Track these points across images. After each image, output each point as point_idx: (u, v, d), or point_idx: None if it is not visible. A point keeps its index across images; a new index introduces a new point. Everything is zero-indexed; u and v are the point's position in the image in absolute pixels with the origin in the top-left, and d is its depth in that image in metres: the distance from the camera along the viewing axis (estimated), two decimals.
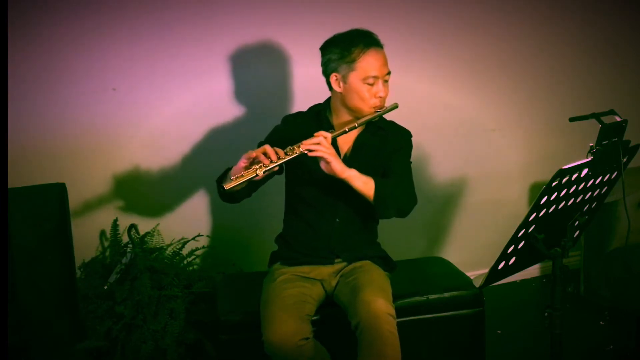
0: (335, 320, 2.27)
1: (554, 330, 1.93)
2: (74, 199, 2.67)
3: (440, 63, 3.23)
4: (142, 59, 2.78)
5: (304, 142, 2.13)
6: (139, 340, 2.54)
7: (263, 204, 2.71)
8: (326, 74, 2.29)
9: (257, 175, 2.08)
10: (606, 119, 1.88)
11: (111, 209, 2.86)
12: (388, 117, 2.39)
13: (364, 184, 2.17)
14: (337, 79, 2.26)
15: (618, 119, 1.88)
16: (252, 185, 2.28)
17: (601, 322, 3.10)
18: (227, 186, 2.08)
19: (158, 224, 2.91)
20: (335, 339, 2.30)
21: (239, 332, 2.31)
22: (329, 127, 2.31)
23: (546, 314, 1.93)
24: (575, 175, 1.80)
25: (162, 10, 2.76)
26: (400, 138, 2.38)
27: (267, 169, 2.09)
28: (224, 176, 2.24)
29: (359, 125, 2.23)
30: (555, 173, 1.73)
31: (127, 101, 2.80)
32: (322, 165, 2.14)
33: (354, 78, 2.23)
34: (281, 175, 2.39)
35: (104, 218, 2.85)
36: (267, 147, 2.12)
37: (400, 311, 2.21)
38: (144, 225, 2.89)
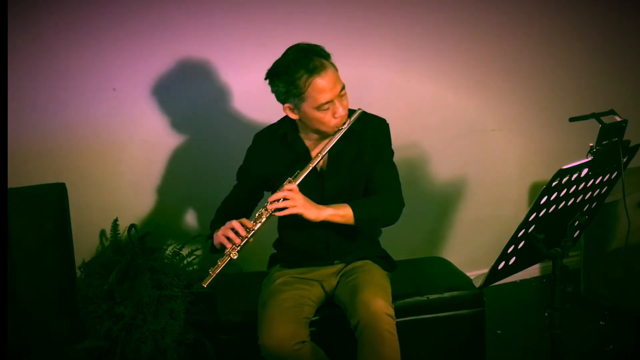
0: (334, 320, 2.27)
1: (554, 330, 1.93)
2: (74, 199, 2.66)
3: (440, 63, 3.23)
4: (142, 59, 2.78)
5: (269, 202, 2.09)
6: (139, 340, 2.54)
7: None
8: (280, 102, 2.20)
9: (231, 258, 2.07)
10: (606, 119, 1.88)
11: (111, 209, 2.86)
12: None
13: (343, 217, 2.15)
14: (290, 109, 2.17)
15: (618, 119, 1.88)
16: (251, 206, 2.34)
17: (601, 322, 3.10)
18: (206, 283, 2.07)
19: (158, 224, 2.91)
20: (335, 339, 2.30)
21: (239, 332, 2.31)
22: (297, 145, 2.26)
23: (546, 314, 1.93)
24: (575, 175, 1.80)
25: (162, 10, 2.76)
26: (376, 134, 2.28)
27: (239, 248, 2.07)
28: (211, 245, 2.24)
29: (324, 155, 2.15)
30: (555, 173, 1.73)
31: (127, 101, 2.80)
32: (299, 216, 2.11)
33: (307, 108, 2.12)
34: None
35: (104, 218, 2.86)
36: (235, 223, 2.09)
37: (400, 311, 2.21)
38: (144, 225, 2.89)
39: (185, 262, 2.83)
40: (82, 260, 2.79)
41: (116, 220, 2.85)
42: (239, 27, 2.86)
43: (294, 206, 2.08)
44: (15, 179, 2.43)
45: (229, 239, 2.09)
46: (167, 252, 2.84)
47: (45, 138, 2.72)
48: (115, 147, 2.83)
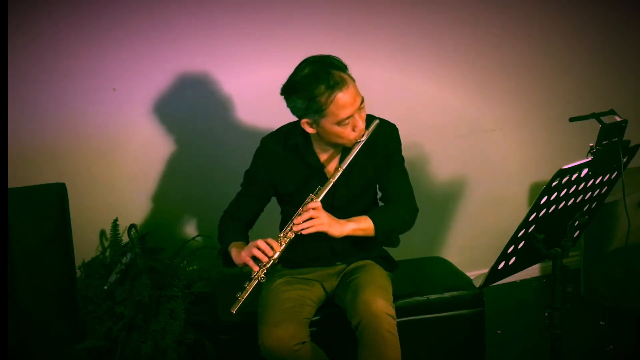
0: (335, 320, 2.27)
1: (554, 330, 1.93)
2: (74, 199, 2.67)
3: (441, 63, 3.23)
4: (142, 59, 2.77)
5: (294, 222, 2.08)
6: (139, 340, 2.54)
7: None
8: (298, 117, 2.16)
9: (259, 281, 2.05)
10: (606, 119, 1.88)
11: (111, 209, 2.86)
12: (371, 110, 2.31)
13: (364, 231, 2.18)
14: (309, 124, 2.13)
15: (618, 119, 1.87)
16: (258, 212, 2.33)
17: (601, 322, 3.10)
18: (234, 309, 2.05)
19: (158, 224, 2.91)
20: (336, 339, 2.30)
21: (239, 332, 2.31)
22: (309, 156, 2.23)
23: (546, 314, 1.93)
24: (575, 175, 1.80)
25: (162, 10, 2.76)
26: (387, 140, 2.27)
27: (267, 268, 2.05)
28: (223, 256, 2.24)
29: (345, 168, 2.12)
30: (555, 173, 1.73)
31: (127, 101, 2.80)
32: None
33: (327, 123, 2.08)
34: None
35: (104, 218, 2.85)
36: (261, 244, 2.06)
37: (400, 311, 2.21)
38: (144, 225, 2.89)
39: (185, 262, 2.82)
40: (82, 260, 2.79)
41: (116, 220, 2.85)
42: (240, 27, 2.86)
43: (320, 224, 2.08)
44: (15, 179, 2.44)
45: (255, 259, 2.06)
46: (167, 252, 2.84)
47: (45, 138, 2.72)
48: (115, 147, 2.83)
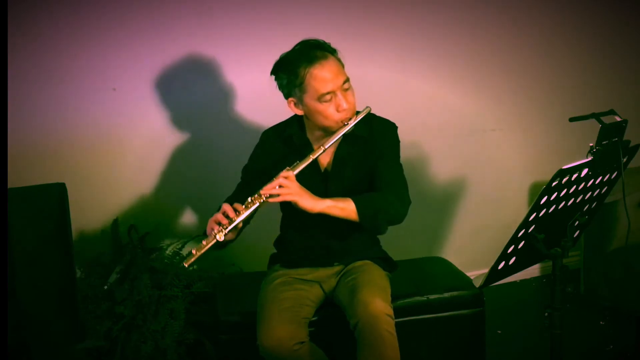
0: (334, 320, 2.26)
1: (554, 330, 1.93)
2: (74, 199, 2.67)
3: (440, 63, 3.23)
4: (142, 59, 2.78)
5: (264, 188, 2.05)
6: (139, 340, 2.54)
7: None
8: (285, 97, 2.19)
9: (217, 240, 2.02)
10: (606, 119, 1.88)
11: (111, 209, 2.86)
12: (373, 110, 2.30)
13: (342, 210, 2.09)
14: (294, 103, 2.17)
15: (618, 119, 1.87)
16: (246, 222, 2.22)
17: (601, 322, 3.10)
18: (188, 263, 2.02)
19: (158, 224, 2.91)
20: (335, 339, 2.30)
21: (239, 332, 2.31)
22: (303, 146, 2.23)
23: (546, 314, 1.93)
24: (575, 175, 1.80)
25: (162, 10, 2.76)
26: (383, 137, 2.27)
27: (226, 230, 2.02)
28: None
29: (327, 148, 2.11)
30: (555, 173, 1.73)
31: (127, 101, 2.80)
32: (293, 204, 2.06)
33: (309, 99, 2.11)
34: None
35: (104, 218, 2.86)
36: (225, 206, 2.06)
37: (400, 311, 2.21)
38: (144, 225, 2.89)
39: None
40: (82, 260, 2.78)
41: (116, 220, 2.85)
42: (240, 27, 2.86)
43: (289, 193, 2.03)
44: (15, 179, 2.44)
45: (219, 223, 2.05)
46: (167, 252, 2.84)
47: (45, 138, 2.72)
48: (115, 147, 2.83)
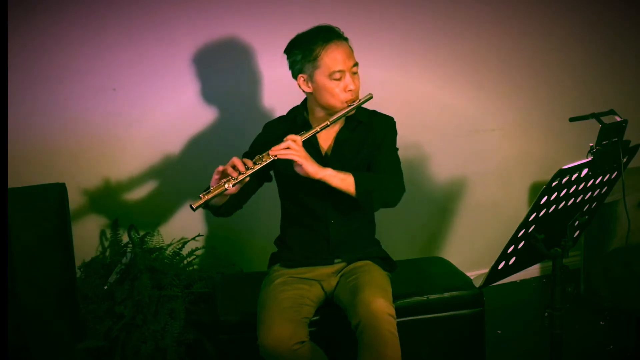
0: (335, 320, 2.26)
1: (554, 330, 1.93)
2: (74, 199, 2.67)
3: (441, 63, 3.23)
4: (142, 59, 2.78)
5: (273, 148, 2.11)
6: (139, 340, 2.54)
7: (263, 204, 2.70)
8: (294, 76, 2.27)
9: (226, 189, 2.05)
10: (606, 119, 1.88)
11: (111, 209, 2.86)
12: (370, 106, 2.36)
13: (342, 181, 2.16)
14: (304, 80, 2.24)
15: (618, 119, 1.88)
16: (241, 196, 2.27)
17: (601, 322, 3.10)
18: (196, 205, 2.03)
19: (158, 224, 2.91)
20: (335, 339, 2.30)
21: (239, 332, 2.31)
22: (305, 128, 2.26)
23: (546, 314, 1.92)
24: (575, 175, 1.80)
25: (162, 10, 2.76)
26: (382, 128, 2.35)
27: (236, 181, 2.06)
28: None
29: (331, 123, 2.20)
30: (555, 173, 1.73)
31: (127, 101, 2.80)
32: (296, 168, 2.12)
33: (320, 76, 2.20)
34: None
35: (104, 218, 2.86)
36: (235, 160, 2.10)
37: (400, 311, 2.21)
38: (144, 225, 2.89)
39: (185, 262, 2.83)
40: (82, 260, 2.78)
41: (116, 220, 2.85)
42: (238, 27, 2.86)
43: (297, 154, 2.09)
44: (15, 179, 2.44)
45: (227, 175, 2.09)
46: (167, 252, 2.84)
47: (45, 138, 2.72)
48: (115, 147, 2.83)
